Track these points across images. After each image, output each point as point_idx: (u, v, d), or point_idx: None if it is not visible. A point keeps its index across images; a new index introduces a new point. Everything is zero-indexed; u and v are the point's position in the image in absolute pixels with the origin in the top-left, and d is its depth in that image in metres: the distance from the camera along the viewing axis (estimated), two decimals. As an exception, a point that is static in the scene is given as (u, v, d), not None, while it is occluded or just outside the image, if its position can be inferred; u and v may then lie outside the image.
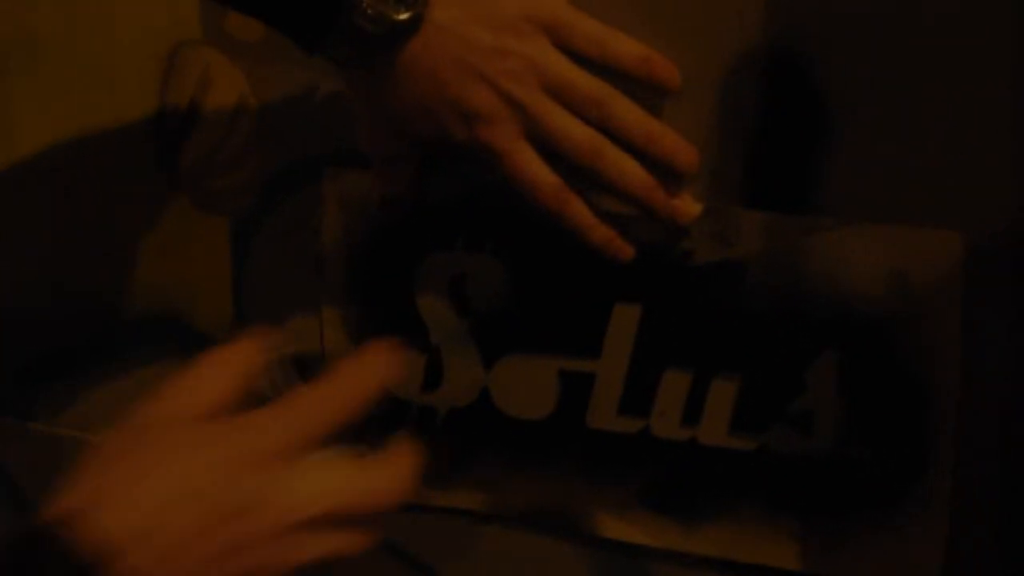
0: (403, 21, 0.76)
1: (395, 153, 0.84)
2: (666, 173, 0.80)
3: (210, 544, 0.56)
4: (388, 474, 0.60)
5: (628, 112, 0.78)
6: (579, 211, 0.80)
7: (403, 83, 0.78)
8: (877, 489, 0.80)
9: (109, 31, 0.98)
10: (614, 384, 0.85)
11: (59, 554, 0.54)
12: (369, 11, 0.75)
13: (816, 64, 0.78)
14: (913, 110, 0.76)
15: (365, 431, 0.63)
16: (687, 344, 0.83)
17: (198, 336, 1.00)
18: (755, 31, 0.78)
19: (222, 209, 0.97)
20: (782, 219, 0.80)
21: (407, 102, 0.78)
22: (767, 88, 0.79)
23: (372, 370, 0.62)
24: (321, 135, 0.92)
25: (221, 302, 0.98)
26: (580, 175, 0.80)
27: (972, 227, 0.76)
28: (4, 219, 1.05)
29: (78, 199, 1.02)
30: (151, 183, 0.99)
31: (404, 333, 0.90)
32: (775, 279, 0.80)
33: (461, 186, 0.87)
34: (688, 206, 0.80)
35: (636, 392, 0.84)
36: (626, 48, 0.78)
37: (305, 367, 0.71)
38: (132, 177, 1.00)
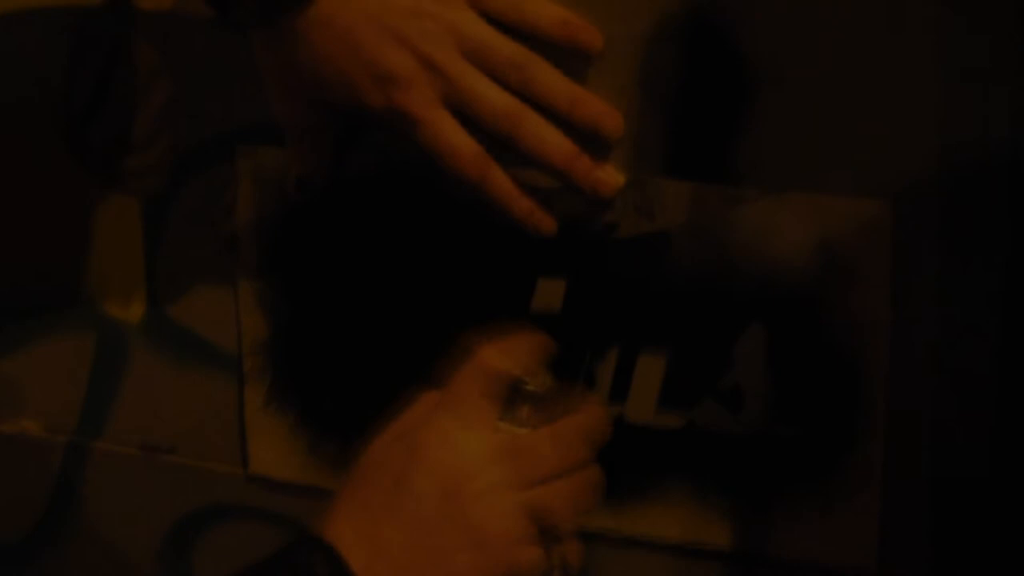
0: None
1: (309, 124, 0.82)
2: (588, 143, 0.78)
3: None
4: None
5: (550, 76, 0.76)
6: (500, 181, 0.78)
7: (316, 44, 0.75)
8: (807, 465, 0.79)
9: (8, 3, 0.95)
10: (537, 361, 0.83)
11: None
12: None
13: (735, 29, 0.76)
14: (837, 75, 0.74)
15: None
16: (612, 319, 0.81)
17: (110, 320, 0.97)
18: (673, -5, 0.76)
19: (133, 189, 0.95)
20: (706, 189, 0.78)
21: (320, 65, 0.76)
22: (687, 55, 0.77)
23: None
24: (234, 110, 0.90)
25: (134, 284, 0.96)
26: (500, 149, 0.78)
27: (900, 196, 0.74)
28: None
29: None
30: (59, 164, 0.96)
31: (318, 310, 0.89)
32: (700, 251, 0.79)
33: (376, 161, 0.84)
34: (611, 177, 0.78)
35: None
36: (545, 11, 0.76)
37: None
38: (39, 158, 0.97)
